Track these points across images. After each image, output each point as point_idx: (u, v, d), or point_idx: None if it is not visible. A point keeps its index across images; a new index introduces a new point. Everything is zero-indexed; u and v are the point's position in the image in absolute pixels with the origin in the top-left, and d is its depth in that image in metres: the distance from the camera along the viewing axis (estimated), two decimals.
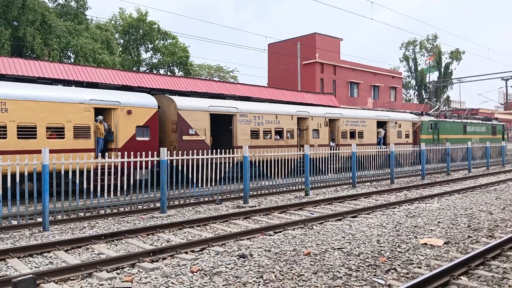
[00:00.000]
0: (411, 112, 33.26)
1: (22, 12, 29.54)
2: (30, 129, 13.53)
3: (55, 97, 14.22)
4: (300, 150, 19.00)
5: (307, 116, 21.93)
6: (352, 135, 24.32)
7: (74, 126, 14.40)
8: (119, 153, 13.00)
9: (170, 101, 17.37)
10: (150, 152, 12.36)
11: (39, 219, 10.17)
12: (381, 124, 26.75)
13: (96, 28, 37.22)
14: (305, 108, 23.06)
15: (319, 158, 17.88)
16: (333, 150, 19.36)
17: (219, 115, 18.78)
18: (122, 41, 44.26)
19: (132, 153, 12.05)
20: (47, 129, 13.90)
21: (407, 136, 28.15)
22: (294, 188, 16.40)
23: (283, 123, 20.69)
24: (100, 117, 15.20)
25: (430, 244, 7.77)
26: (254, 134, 19.54)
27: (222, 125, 19.68)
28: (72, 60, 33.98)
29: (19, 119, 13.31)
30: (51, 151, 10.33)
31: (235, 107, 19.11)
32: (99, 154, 14.40)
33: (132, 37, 43.72)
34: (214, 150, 14.20)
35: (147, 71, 42.38)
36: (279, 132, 20.66)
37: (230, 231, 9.24)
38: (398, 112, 33.11)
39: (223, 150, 14.23)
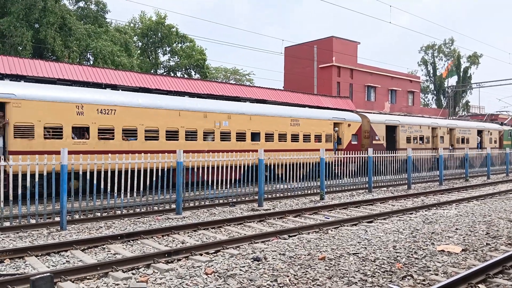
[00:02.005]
0: (493, 122, 40.65)
1: (44, 14, 30.13)
2: (308, 136, 21.51)
3: (319, 116, 22.42)
4: (432, 152, 25.07)
5: (437, 126, 29.51)
6: (462, 141, 31.71)
7: (325, 134, 22.32)
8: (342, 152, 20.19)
9: (364, 116, 25.20)
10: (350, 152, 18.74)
11: (57, 219, 10.33)
12: (479, 132, 34.20)
13: (115, 31, 37.75)
14: (436, 120, 31.34)
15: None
16: (451, 152, 25.64)
17: (388, 126, 26.06)
18: (140, 44, 44.79)
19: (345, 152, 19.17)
20: (314, 136, 21.91)
21: (495, 142, 35.90)
22: (309, 192, 16.34)
23: (424, 131, 28.26)
24: (336, 129, 22.98)
25: (448, 251, 7.65)
26: (408, 139, 26.85)
27: (387, 133, 26.40)
28: (91, 62, 34.51)
29: (304, 130, 21.41)
30: (312, 150, 18.72)
31: (398, 120, 26.93)
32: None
33: (151, 40, 44.20)
34: (389, 151, 20.29)
35: (165, 73, 42.77)
36: (421, 138, 28.08)
37: (245, 234, 9.24)
38: (489, 123, 40.02)
39: (394, 151, 20.72)
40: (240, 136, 18.48)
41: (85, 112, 14.39)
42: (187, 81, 26.28)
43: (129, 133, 15.40)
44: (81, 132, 14.64)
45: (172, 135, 16.51)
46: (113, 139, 14.91)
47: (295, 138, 20.79)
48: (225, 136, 17.98)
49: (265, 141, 19.35)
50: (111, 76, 21.73)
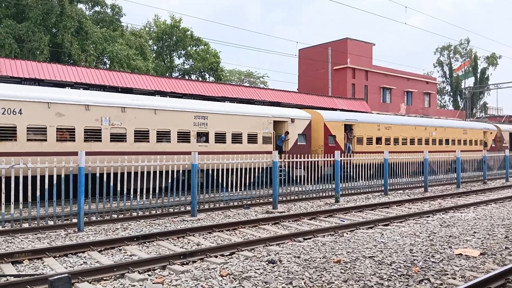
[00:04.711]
0: None
1: (61, 19, 30.64)
2: (471, 141, 30.65)
3: (475, 127, 32.04)
4: None
5: None
6: None
7: (479, 140, 31.59)
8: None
9: (497, 126, 34.47)
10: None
11: (74, 220, 10.47)
12: None
13: (131, 34, 38.16)
14: None
15: None
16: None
17: (510, 133, 35.15)
18: (155, 47, 45.15)
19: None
20: (474, 141, 30.89)
21: None
22: (324, 194, 16.26)
23: None
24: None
25: (466, 255, 7.53)
26: None
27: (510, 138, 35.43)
28: (108, 66, 34.92)
29: (469, 137, 30.61)
30: (474, 150, 27.15)
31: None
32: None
33: (166, 44, 44.55)
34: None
35: (179, 77, 43.06)
36: None
37: (259, 236, 9.24)
38: None
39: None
40: (440, 141, 28.18)
41: (381, 129, 24.59)
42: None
43: (395, 140, 25.27)
44: (377, 140, 24.21)
45: (411, 141, 26.33)
46: (389, 144, 24.55)
47: (464, 142, 30.22)
48: (433, 141, 27.74)
49: (451, 144, 28.63)
50: (127, 79, 21.98)
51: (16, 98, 13.35)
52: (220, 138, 17.62)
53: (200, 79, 42.77)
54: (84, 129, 14.40)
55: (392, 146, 24.66)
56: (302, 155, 15.48)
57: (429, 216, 11.96)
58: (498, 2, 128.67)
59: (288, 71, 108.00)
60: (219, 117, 17.62)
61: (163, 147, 15.88)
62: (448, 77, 71.37)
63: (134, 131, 15.39)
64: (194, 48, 45.02)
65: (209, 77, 44.84)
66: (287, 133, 20.08)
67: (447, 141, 28.72)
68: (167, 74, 42.23)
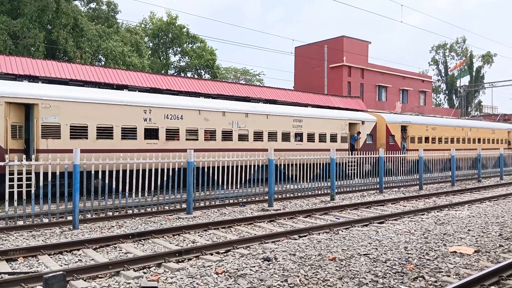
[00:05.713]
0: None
1: (56, 16, 30.43)
2: (500, 140, 34.16)
3: (498, 127, 35.13)
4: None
5: None
6: None
7: (500, 139, 34.17)
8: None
9: None
10: None
11: (69, 218, 10.44)
12: None
13: (126, 31, 37.96)
14: None
15: None
16: None
17: None
18: (151, 44, 44.97)
19: None
20: (492, 140, 33.17)
21: None
22: (319, 192, 16.29)
23: None
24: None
25: (460, 253, 7.58)
26: None
27: None
28: (103, 62, 34.75)
29: (496, 137, 34.02)
30: (495, 148, 30.53)
31: None
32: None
33: (161, 41, 44.38)
34: None
35: (175, 74, 42.91)
36: None
37: (255, 234, 9.24)
38: None
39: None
40: (473, 140, 31.29)
41: (428, 129, 27.51)
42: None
43: (439, 139, 28.42)
44: (426, 139, 27.32)
45: (452, 140, 29.24)
46: (435, 142, 27.86)
47: (493, 141, 33.43)
48: (469, 140, 30.74)
49: (482, 143, 31.83)
50: (122, 76, 21.89)
51: (180, 107, 16.58)
52: (311, 137, 21.05)
53: (196, 76, 42.67)
54: (222, 131, 17.66)
55: (437, 144, 27.95)
56: (371, 152, 18.37)
57: (424, 214, 12.01)
58: (496, 0, 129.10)
59: (284, 68, 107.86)
60: (311, 120, 21.11)
61: (271, 145, 18.46)
62: (443, 75, 71.59)
63: (253, 132, 18.78)
64: (190, 45, 44.87)
65: (205, 75, 44.73)
66: (359, 133, 23.21)
67: (479, 140, 32.08)
68: (162, 71, 42.07)
